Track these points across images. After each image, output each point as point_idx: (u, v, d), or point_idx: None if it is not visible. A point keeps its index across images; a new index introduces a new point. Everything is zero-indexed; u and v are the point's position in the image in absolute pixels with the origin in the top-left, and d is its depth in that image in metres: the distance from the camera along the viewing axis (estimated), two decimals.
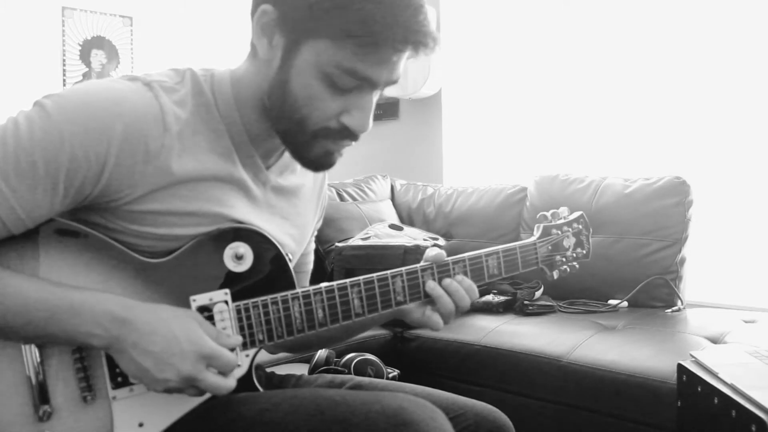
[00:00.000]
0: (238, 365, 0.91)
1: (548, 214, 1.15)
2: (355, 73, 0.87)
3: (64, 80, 3.37)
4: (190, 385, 0.86)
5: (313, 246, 1.21)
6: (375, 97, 0.92)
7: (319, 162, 0.95)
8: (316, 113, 0.90)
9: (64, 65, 3.37)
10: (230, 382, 0.88)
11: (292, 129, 0.92)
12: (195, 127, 0.91)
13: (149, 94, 0.88)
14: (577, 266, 1.16)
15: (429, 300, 1.02)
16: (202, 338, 0.87)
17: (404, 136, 3.57)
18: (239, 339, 0.92)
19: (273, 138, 0.97)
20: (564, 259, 1.14)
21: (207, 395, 0.92)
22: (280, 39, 0.89)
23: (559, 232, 1.14)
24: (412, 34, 0.85)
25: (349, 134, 0.92)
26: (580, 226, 1.17)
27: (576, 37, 3.04)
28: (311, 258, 1.21)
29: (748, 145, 2.58)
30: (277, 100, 0.91)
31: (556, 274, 1.14)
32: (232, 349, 0.91)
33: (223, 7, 3.78)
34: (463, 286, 1.01)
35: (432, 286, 1.01)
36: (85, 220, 0.90)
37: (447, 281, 1.01)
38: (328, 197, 1.22)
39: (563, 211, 1.16)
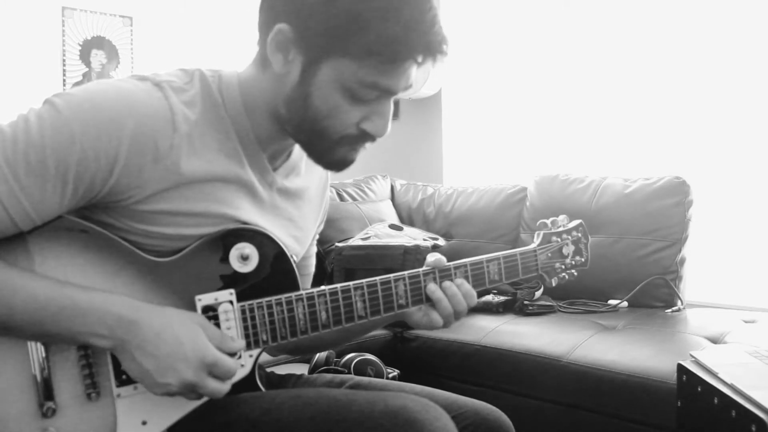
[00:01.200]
0: (242, 365, 0.92)
1: (548, 221, 1.17)
2: (376, 86, 0.89)
3: (64, 80, 3.37)
4: (190, 391, 0.87)
5: (314, 249, 1.22)
6: (392, 101, 0.95)
7: (340, 164, 0.98)
8: (337, 124, 0.92)
9: (64, 65, 3.37)
10: (226, 387, 0.90)
11: (314, 139, 0.94)
12: (204, 128, 0.92)
13: (159, 95, 0.88)
14: (575, 274, 1.18)
15: (430, 303, 1.03)
16: (206, 345, 0.87)
17: (404, 136, 3.57)
18: (242, 344, 0.93)
19: (280, 140, 0.98)
20: (563, 267, 1.16)
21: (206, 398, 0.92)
22: (297, 56, 0.90)
23: (559, 240, 1.16)
24: (431, 46, 0.89)
25: (369, 137, 0.95)
26: (579, 234, 1.19)
27: (576, 37, 3.05)
28: (313, 261, 1.22)
29: (748, 145, 2.59)
30: (297, 112, 0.92)
31: (554, 282, 1.16)
32: (235, 353, 0.92)
33: (223, 7, 3.78)
34: (462, 291, 1.03)
35: (432, 289, 1.02)
36: (93, 218, 0.90)
37: (446, 284, 1.03)
38: (329, 199, 1.23)
39: (562, 219, 1.18)
